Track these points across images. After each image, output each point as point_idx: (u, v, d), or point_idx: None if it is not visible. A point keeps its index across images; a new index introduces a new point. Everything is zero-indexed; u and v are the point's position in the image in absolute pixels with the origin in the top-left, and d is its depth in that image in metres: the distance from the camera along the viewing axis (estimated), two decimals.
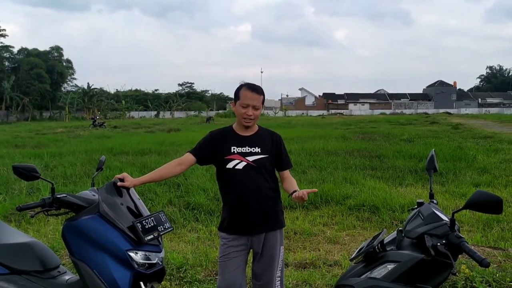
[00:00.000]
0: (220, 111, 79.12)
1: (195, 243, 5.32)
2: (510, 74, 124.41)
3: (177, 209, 6.71)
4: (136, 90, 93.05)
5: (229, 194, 2.91)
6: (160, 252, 2.59)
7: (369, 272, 2.17)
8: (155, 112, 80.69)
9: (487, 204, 1.97)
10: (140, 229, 2.49)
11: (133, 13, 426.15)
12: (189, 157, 2.91)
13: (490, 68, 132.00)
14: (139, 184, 2.81)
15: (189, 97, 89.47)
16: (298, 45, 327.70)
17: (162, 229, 2.61)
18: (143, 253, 2.50)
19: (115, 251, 2.46)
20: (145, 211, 2.68)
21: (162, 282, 2.88)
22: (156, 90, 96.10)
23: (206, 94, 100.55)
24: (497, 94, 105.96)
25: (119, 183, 2.69)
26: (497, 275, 3.80)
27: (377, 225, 6.02)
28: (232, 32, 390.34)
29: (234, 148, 2.86)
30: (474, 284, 3.69)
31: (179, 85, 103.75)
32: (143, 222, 2.54)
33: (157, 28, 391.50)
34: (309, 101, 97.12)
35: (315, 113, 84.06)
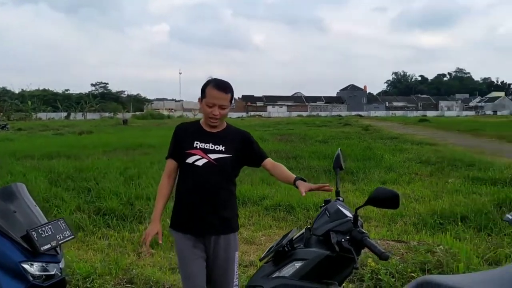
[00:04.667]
0: (137, 113, 76.76)
1: (105, 250, 5.03)
2: (412, 80, 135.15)
3: (86, 215, 6.30)
4: (44, 90, 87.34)
5: (184, 190, 2.73)
6: (58, 262, 2.41)
7: (278, 271, 2.17)
8: (66, 114, 76.21)
9: (386, 200, 2.06)
10: (36, 239, 2.30)
11: (40, 7, 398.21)
12: (171, 164, 2.78)
13: (396, 73, 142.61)
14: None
15: (103, 98, 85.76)
16: (217, 47, 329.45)
17: (62, 237, 2.44)
18: (40, 264, 2.32)
19: (7, 264, 2.26)
20: (42, 219, 2.48)
21: None
22: (66, 90, 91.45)
23: (122, 95, 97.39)
24: (402, 98, 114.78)
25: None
26: (400, 266, 4.04)
27: (293, 224, 6.16)
28: (148, 32, 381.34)
29: (197, 143, 2.69)
30: (379, 276, 3.90)
31: (92, 85, 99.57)
32: (39, 230, 2.35)
33: (67, 25, 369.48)
34: None
35: (234, 115, 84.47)
